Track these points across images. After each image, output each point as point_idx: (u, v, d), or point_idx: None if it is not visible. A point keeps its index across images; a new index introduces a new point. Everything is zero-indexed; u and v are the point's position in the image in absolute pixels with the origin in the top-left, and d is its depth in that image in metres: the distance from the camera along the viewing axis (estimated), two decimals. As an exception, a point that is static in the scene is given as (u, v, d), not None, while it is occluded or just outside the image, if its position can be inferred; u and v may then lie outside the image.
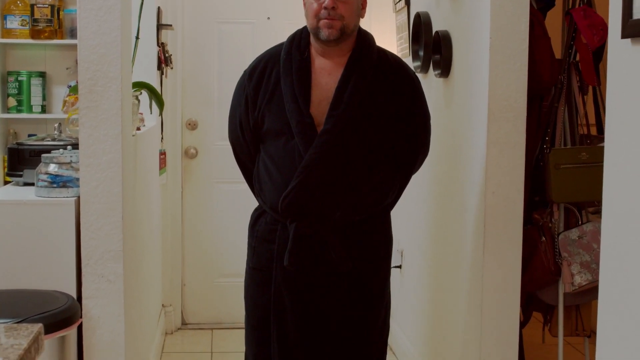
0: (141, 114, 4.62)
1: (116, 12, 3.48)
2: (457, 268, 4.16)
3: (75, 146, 3.83)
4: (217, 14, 6.21)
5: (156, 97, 4.53)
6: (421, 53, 4.65)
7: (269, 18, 6.21)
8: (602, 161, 2.32)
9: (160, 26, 5.65)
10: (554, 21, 4.58)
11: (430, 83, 4.58)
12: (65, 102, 4.61)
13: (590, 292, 4.27)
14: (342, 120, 3.32)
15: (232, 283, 6.16)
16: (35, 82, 5.89)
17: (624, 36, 2.16)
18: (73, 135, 4.14)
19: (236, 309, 6.08)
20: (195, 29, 6.21)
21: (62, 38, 5.88)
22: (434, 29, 4.50)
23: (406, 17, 5.22)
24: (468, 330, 3.98)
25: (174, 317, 6.27)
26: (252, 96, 3.49)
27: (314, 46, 3.44)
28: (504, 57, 3.66)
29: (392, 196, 3.57)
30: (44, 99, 5.93)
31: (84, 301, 3.55)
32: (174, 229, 6.24)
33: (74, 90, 4.20)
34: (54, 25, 5.80)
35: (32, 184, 3.78)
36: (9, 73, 5.89)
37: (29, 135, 5.68)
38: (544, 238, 4.22)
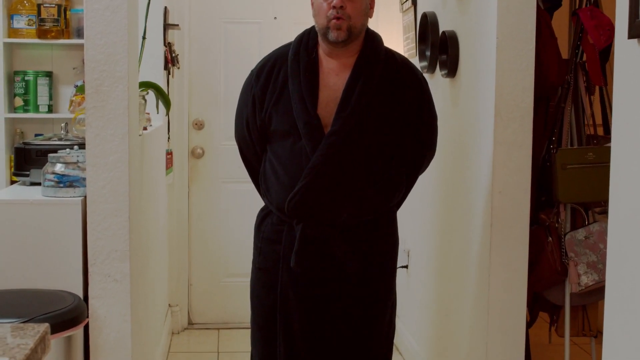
0: (148, 113, 4.62)
1: (123, 11, 3.48)
2: (463, 268, 4.16)
3: (81, 146, 3.83)
4: (223, 14, 6.22)
5: (163, 97, 4.53)
6: (428, 53, 4.65)
7: (275, 18, 6.21)
8: (608, 161, 2.32)
9: (166, 26, 5.65)
10: (560, 21, 4.58)
11: (436, 83, 4.58)
12: (72, 101, 4.61)
13: (596, 292, 4.27)
14: (349, 121, 3.31)
15: (238, 283, 6.16)
16: (42, 81, 5.89)
17: (630, 36, 2.16)
18: (80, 135, 4.14)
19: (243, 308, 6.08)
20: (202, 29, 6.21)
21: (68, 38, 5.89)
22: (441, 29, 4.50)
23: (413, 17, 5.21)
24: (474, 330, 3.98)
25: (180, 317, 6.27)
26: (259, 96, 3.49)
27: (322, 47, 3.44)
28: (510, 57, 3.66)
29: (399, 197, 3.56)
30: (50, 98, 5.94)
31: (90, 301, 3.55)
32: (180, 228, 6.25)
33: (80, 90, 4.20)
34: (61, 25, 5.80)
35: (39, 184, 3.78)
36: (16, 73, 5.89)
37: (36, 135, 5.69)
38: (550, 238, 4.22)
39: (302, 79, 3.38)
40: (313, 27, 3.47)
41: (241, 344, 5.82)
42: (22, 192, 3.80)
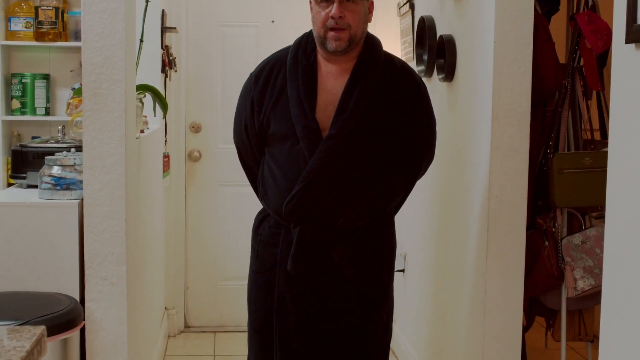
0: (145, 116, 4.62)
1: (120, 14, 3.48)
2: (460, 272, 4.16)
3: (78, 148, 3.83)
4: (221, 17, 6.22)
5: (160, 100, 4.53)
6: (425, 57, 4.65)
7: (273, 21, 6.21)
8: (605, 166, 2.32)
9: (164, 29, 5.65)
10: (558, 26, 4.59)
11: (434, 87, 4.58)
12: (69, 104, 4.62)
13: (593, 297, 4.27)
14: (347, 125, 3.31)
15: (235, 286, 6.17)
16: (39, 84, 5.89)
17: (628, 41, 2.16)
18: (77, 137, 4.14)
19: (239, 312, 6.09)
20: (199, 32, 6.21)
21: (66, 40, 5.88)
22: (438, 33, 4.50)
23: (410, 21, 5.22)
24: (471, 335, 3.98)
25: (177, 320, 6.27)
26: (258, 100, 3.48)
27: (320, 52, 3.43)
28: (508, 61, 3.66)
29: (397, 200, 3.56)
30: (47, 101, 5.93)
31: (86, 304, 3.55)
32: (177, 231, 6.25)
33: (77, 92, 4.20)
34: (58, 27, 5.80)
35: (36, 186, 3.78)
36: (13, 75, 5.89)
37: (33, 138, 5.68)
38: (547, 243, 4.22)
39: (300, 83, 3.37)
40: (312, 31, 3.46)
41: (237, 347, 5.82)
42: (19, 195, 3.80)
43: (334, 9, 3.27)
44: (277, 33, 6.13)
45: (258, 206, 3.63)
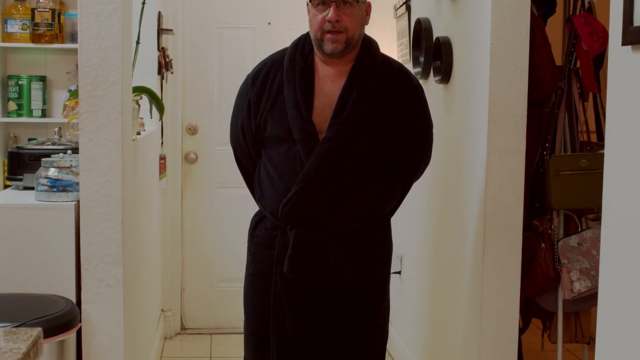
0: (141, 118, 4.62)
1: (117, 16, 3.48)
2: (456, 274, 4.16)
3: (75, 150, 3.83)
4: (217, 19, 6.22)
5: (156, 102, 4.53)
6: (422, 59, 4.65)
7: (269, 23, 6.21)
8: (602, 168, 2.32)
9: (160, 31, 5.66)
10: (554, 28, 4.59)
11: (430, 89, 4.58)
12: (65, 106, 4.63)
13: (589, 299, 4.27)
14: (344, 128, 3.31)
15: (231, 288, 6.17)
16: (36, 86, 5.89)
17: (624, 43, 2.16)
18: (73, 139, 4.14)
19: (235, 314, 6.08)
20: (195, 34, 6.21)
21: (62, 42, 5.88)
22: (435, 35, 4.50)
23: (407, 23, 5.22)
24: (467, 336, 3.98)
25: (173, 322, 6.26)
26: (254, 102, 3.47)
27: (318, 54, 3.43)
28: (504, 63, 3.66)
29: (393, 203, 3.56)
30: (44, 103, 5.93)
31: (83, 305, 3.55)
32: (173, 233, 6.25)
33: (74, 94, 4.21)
34: (55, 29, 5.80)
35: (32, 188, 3.78)
36: (10, 77, 5.89)
37: (29, 140, 5.68)
38: (543, 244, 4.22)
39: (297, 85, 3.37)
40: (309, 33, 3.45)
41: (234, 349, 5.82)
42: (15, 197, 3.80)
43: (330, 13, 3.26)
44: (274, 35, 6.13)
45: (254, 208, 3.63)
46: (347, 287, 3.41)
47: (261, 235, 3.50)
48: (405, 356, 5.33)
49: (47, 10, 5.76)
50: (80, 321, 3.50)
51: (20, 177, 3.99)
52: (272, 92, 3.43)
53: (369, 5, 3.45)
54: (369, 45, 3.47)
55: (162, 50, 5.68)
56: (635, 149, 2.12)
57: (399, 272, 5.49)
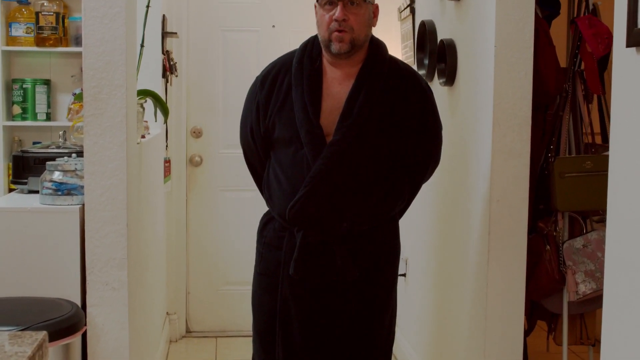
0: (146, 121, 4.62)
1: (121, 19, 3.48)
2: (461, 276, 4.16)
3: (80, 154, 3.83)
4: (222, 22, 6.22)
5: (161, 105, 4.54)
6: (426, 61, 4.65)
7: (273, 26, 6.21)
8: (606, 170, 2.32)
9: (165, 34, 5.66)
10: (559, 30, 4.59)
11: (435, 91, 4.55)
12: (70, 109, 4.61)
13: (594, 301, 4.27)
14: (351, 131, 3.31)
15: (236, 291, 6.17)
16: (40, 89, 5.90)
17: (628, 45, 2.16)
18: (78, 142, 4.14)
19: (241, 316, 6.09)
20: (200, 37, 6.21)
21: (67, 46, 5.89)
22: (439, 38, 4.50)
23: (411, 25, 5.22)
24: (472, 339, 3.98)
25: (178, 325, 6.27)
26: (263, 104, 3.49)
27: (326, 56, 3.43)
28: (509, 65, 3.66)
29: (401, 205, 3.56)
30: (48, 106, 5.94)
31: (88, 309, 3.55)
32: (178, 236, 6.25)
33: (78, 97, 4.20)
34: (59, 32, 5.80)
35: (37, 192, 3.78)
36: (14, 81, 5.90)
37: (34, 143, 5.69)
38: (548, 247, 4.22)
39: (305, 88, 3.38)
40: (317, 35, 3.46)
41: (239, 352, 5.82)
42: (20, 200, 3.80)
43: (337, 12, 3.28)
44: (278, 38, 6.13)
45: (259, 211, 3.63)
46: (353, 289, 3.42)
47: (269, 236, 3.52)
48: (410, 358, 5.32)
49: (52, 13, 5.76)
50: (86, 324, 3.50)
51: (25, 180, 3.99)
52: (280, 94, 3.44)
53: (377, 7, 3.45)
54: (377, 47, 3.48)
55: (166, 53, 5.69)
56: (640, 151, 2.12)
57: (404, 275, 5.49)
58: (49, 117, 5.95)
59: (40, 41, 5.77)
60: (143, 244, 4.29)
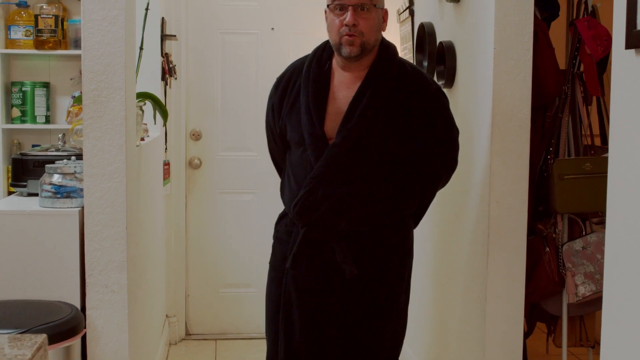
0: (145, 124, 4.62)
1: (120, 22, 3.48)
2: (460, 278, 4.15)
3: (79, 157, 3.84)
4: (221, 25, 6.22)
5: (160, 108, 4.54)
6: (425, 63, 4.65)
7: (273, 29, 6.21)
8: (606, 172, 2.32)
9: (164, 37, 5.66)
10: (558, 32, 4.59)
11: (434, 93, 4.58)
12: (69, 112, 4.62)
13: (594, 303, 4.27)
14: (352, 134, 3.33)
15: (236, 293, 6.16)
16: (39, 92, 5.89)
17: (628, 46, 2.16)
18: (77, 145, 4.14)
19: (240, 319, 6.09)
20: (199, 40, 6.21)
21: (66, 48, 5.89)
22: (438, 40, 4.50)
23: (410, 27, 5.22)
24: (471, 340, 3.97)
25: (177, 328, 6.26)
26: (277, 106, 3.58)
27: (336, 60, 3.46)
28: (508, 67, 3.66)
29: (409, 210, 3.55)
30: (47, 109, 5.94)
31: (87, 311, 3.55)
32: (177, 239, 6.25)
33: (78, 100, 4.20)
34: (58, 35, 5.80)
35: (36, 195, 3.78)
36: (13, 83, 5.89)
37: (33, 146, 5.69)
38: (547, 248, 4.22)
39: (310, 91, 3.42)
40: (329, 40, 3.48)
41: (238, 354, 5.81)
42: (20, 203, 3.80)
43: (348, 17, 3.31)
44: (277, 40, 6.13)
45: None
46: (354, 287, 3.44)
47: (281, 230, 3.61)
48: (409, 359, 5.32)
49: (51, 16, 5.76)
50: (85, 327, 3.50)
51: (25, 183, 4.00)
52: (291, 96, 3.52)
53: (386, 11, 3.47)
54: (386, 50, 3.49)
55: (165, 56, 5.69)
56: (639, 152, 2.12)
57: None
58: (48, 120, 5.95)
59: (39, 44, 5.77)
60: (142, 247, 4.29)
